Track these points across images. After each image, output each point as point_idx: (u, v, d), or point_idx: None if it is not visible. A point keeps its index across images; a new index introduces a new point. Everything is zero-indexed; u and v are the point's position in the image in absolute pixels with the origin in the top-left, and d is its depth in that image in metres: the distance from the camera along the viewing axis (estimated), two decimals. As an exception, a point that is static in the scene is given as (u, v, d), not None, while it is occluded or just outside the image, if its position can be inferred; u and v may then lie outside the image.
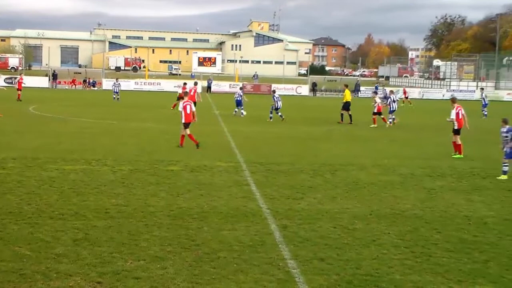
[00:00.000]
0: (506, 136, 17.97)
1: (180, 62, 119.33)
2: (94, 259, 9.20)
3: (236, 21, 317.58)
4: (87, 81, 76.29)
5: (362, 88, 77.50)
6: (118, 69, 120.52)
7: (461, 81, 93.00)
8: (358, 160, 20.37)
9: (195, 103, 36.75)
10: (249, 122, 33.86)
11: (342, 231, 11.35)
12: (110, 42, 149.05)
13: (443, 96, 75.85)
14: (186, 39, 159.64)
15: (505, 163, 17.78)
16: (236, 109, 38.55)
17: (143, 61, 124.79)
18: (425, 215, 12.82)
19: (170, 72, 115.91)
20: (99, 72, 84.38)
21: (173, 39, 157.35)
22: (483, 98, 46.12)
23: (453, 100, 23.29)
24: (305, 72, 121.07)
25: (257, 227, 11.39)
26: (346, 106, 35.58)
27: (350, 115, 35.30)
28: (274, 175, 17.03)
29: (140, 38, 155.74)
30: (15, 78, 69.80)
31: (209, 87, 73.83)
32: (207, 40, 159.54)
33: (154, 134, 26.84)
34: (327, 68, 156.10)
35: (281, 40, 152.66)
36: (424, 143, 26.24)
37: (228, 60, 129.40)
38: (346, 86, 38.02)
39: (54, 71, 77.12)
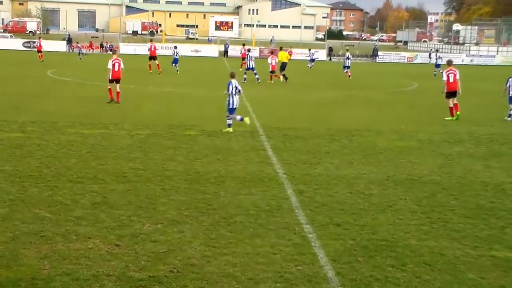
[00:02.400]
0: None
1: (197, 26, 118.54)
2: (113, 222, 9.32)
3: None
4: (104, 45, 76.16)
5: (380, 53, 76.64)
6: (135, 33, 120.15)
7: (480, 46, 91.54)
8: (375, 125, 20.28)
9: (153, 57, 42.07)
10: (265, 87, 33.74)
11: (359, 196, 11.37)
12: (127, 6, 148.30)
13: (462, 61, 74.75)
14: (203, 3, 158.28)
15: None
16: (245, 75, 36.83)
17: (160, 25, 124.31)
18: (442, 181, 12.78)
19: (187, 37, 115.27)
20: (116, 36, 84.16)
21: (190, 3, 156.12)
22: (437, 59, 50.94)
23: (449, 62, 23.58)
24: (322, 36, 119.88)
25: (274, 192, 11.44)
26: (283, 66, 37.94)
27: (284, 75, 37.43)
28: (290, 140, 17.02)
29: (157, 2, 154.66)
30: (33, 42, 70.08)
31: (226, 52, 73.45)
32: (224, 4, 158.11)
33: (170, 98, 26.87)
34: (344, 33, 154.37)
35: (299, 5, 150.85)
36: (442, 108, 25.98)
37: (245, 25, 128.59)
38: (281, 48, 40.72)
39: (69, 35, 77.05)
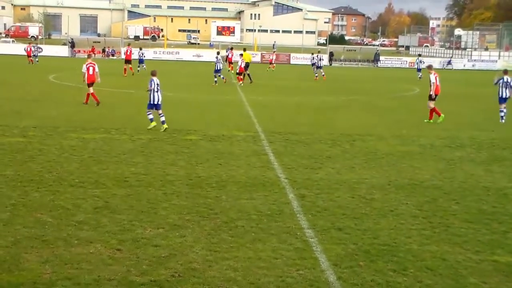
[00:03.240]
0: None
1: (198, 31, 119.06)
2: (114, 226, 9.32)
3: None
4: (106, 50, 76.26)
5: (381, 58, 76.67)
6: (137, 38, 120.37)
7: (483, 51, 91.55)
8: (376, 130, 20.28)
9: (129, 61, 44.40)
10: (267, 92, 33.76)
11: (360, 201, 11.36)
12: (129, 11, 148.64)
13: (464, 66, 74.85)
14: (205, 8, 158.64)
15: None
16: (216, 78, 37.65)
17: (161, 30, 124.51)
18: (443, 186, 12.78)
19: (189, 41, 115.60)
20: (118, 41, 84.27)
21: (191, 8, 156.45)
22: (418, 63, 51.50)
23: (430, 67, 24.36)
24: (324, 41, 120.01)
25: (275, 196, 11.44)
26: (246, 67, 39.82)
27: (248, 74, 39.53)
28: (292, 144, 17.02)
29: (159, 7, 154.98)
30: (34, 46, 70.10)
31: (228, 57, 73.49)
32: (225, 9, 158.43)
33: (172, 103, 26.87)
34: (346, 38, 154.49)
35: (300, 9, 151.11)
36: (443, 113, 25.97)
37: (246, 29, 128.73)
38: (244, 49, 43.45)
39: (72, 39, 77.24)
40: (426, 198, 11.72)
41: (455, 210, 10.97)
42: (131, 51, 45.77)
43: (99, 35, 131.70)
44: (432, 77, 23.13)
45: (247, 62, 40.53)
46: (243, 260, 8.14)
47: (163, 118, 18.78)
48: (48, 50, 73.48)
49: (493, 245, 9.14)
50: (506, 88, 23.54)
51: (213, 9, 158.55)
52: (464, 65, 74.96)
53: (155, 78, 18.97)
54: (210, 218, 9.92)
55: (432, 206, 11.20)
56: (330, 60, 75.94)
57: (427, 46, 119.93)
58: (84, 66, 24.88)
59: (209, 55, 77.35)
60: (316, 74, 45.37)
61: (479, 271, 8.10)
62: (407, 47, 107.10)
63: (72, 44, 75.20)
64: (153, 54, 73.87)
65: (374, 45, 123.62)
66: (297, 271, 7.85)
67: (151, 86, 18.89)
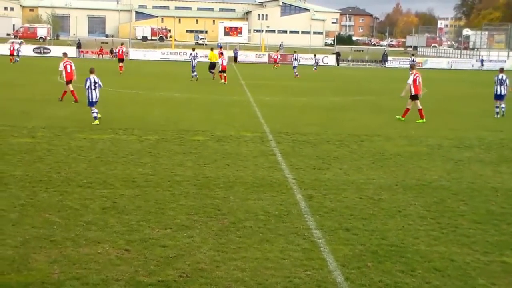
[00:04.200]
0: None
1: (206, 32, 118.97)
2: (122, 227, 9.35)
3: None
4: (114, 50, 76.46)
5: (389, 58, 76.53)
6: (144, 38, 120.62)
7: (491, 51, 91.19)
8: (384, 130, 20.24)
9: (121, 60, 46.50)
10: (275, 92, 33.76)
11: (368, 201, 11.34)
12: (136, 12, 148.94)
13: (472, 66, 74.64)
14: (212, 8, 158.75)
15: None
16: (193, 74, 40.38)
17: (169, 30, 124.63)
18: (452, 186, 12.73)
19: (197, 42, 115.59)
20: (125, 42, 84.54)
21: (199, 9, 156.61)
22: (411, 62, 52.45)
23: (412, 66, 24.78)
24: (331, 42, 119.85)
25: (283, 197, 11.43)
26: (212, 66, 41.57)
27: (212, 73, 41.09)
28: (300, 145, 17.01)
29: (167, 7, 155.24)
30: (44, 48, 70.53)
31: (235, 57, 73.64)
32: (233, 10, 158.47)
33: (179, 103, 26.93)
34: (354, 38, 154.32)
35: (308, 10, 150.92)
36: (451, 114, 25.93)
37: (254, 30, 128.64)
38: (212, 49, 44.46)
39: (78, 40, 77.56)
40: (434, 199, 11.68)
41: (464, 211, 10.92)
42: (123, 50, 48.27)
43: (107, 35, 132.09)
44: (410, 78, 23.14)
45: (213, 61, 41.87)
46: (251, 261, 8.14)
47: (95, 115, 19.69)
48: (56, 50, 73.77)
49: (502, 246, 9.10)
50: (501, 85, 24.84)
51: (221, 9, 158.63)
52: (473, 65, 74.73)
53: (92, 76, 19.63)
54: (218, 219, 9.92)
55: (440, 206, 11.16)
56: (337, 60, 75.90)
57: (435, 46, 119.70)
58: (61, 64, 25.90)
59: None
60: (296, 73, 48.36)
61: (488, 272, 8.07)
62: (415, 47, 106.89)
63: (79, 45, 75.50)
64: (161, 55, 74.09)
65: (381, 46, 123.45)
66: (304, 271, 7.84)
67: (86, 85, 19.59)
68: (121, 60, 46.78)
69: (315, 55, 64.04)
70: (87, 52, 76.21)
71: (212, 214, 10.18)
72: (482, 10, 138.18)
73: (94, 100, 19.59)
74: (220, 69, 38.97)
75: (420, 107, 22.79)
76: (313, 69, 59.08)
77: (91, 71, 19.82)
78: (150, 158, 14.54)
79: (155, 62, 63.30)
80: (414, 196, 11.87)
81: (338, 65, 75.14)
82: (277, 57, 66.34)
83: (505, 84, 24.78)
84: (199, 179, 12.59)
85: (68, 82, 25.62)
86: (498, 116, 24.75)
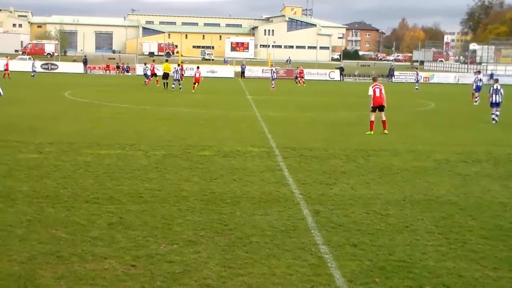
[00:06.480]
0: None
1: (213, 47, 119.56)
2: (129, 242, 9.32)
3: (268, 5, 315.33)
4: (121, 66, 76.89)
5: (396, 73, 76.60)
6: (151, 54, 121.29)
7: (498, 65, 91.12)
8: (391, 145, 20.20)
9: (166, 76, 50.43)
10: (281, 107, 33.82)
11: (375, 217, 11.28)
12: (143, 28, 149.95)
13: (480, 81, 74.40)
14: (219, 24, 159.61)
15: None
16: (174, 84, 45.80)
17: (176, 46, 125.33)
18: (459, 202, 12.66)
19: (203, 58, 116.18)
20: (132, 58, 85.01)
21: (206, 24, 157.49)
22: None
23: (374, 78, 25.37)
24: (338, 57, 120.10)
25: (290, 212, 11.40)
26: (165, 76, 47.75)
27: (166, 83, 47.17)
28: (306, 160, 16.99)
29: (173, 23, 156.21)
30: (52, 64, 71.01)
31: (242, 72, 73.93)
32: (239, 25, 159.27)
33: (187, 119, 26.99)
34: (360, 53, 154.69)
35: (314, 25, 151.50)
36: (459, 128, 25.88)
37: (260, 45, 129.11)
38: (167, 60, 51.62)
39: (85, 56, 78.07)
40: (442, 214, 11.61)
41: (472, 226, 10.85)
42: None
43: (114, 51, 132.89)
44: (370, 89, 23.76)
45: (166, 72, 47.80)
46: (258, 276, 8.10)
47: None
48: (64, 66, 74.23)
49: (511, 261, 9.02)
50: (496, 94, 28.13)
51: (227, 25, 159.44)
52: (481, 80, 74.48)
53: None
54: (225, 234, 9.89)
55: (448, 222, 11.09)
56: (341, 75, 75.97)
57: (441, 61, 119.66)
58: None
59: (223, 71, 77.88)
60: (273, 86, 52.55)
61: (497, 288, 7.99)
62: (422, 62, 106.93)
63: (85, 61, 75.98)
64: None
65: (388, 60, 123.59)
66: (312, 287, 7.79)
67: None
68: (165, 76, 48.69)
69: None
70: (94, 67, 76.62)
71: (219, 229, 10.15)
72: (488, 25, 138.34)
73: None
74: (194, 81, 45.25)
75: (373, 119, 23.40)
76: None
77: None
78: (157, 174, 14.55)
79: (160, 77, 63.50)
80: (421, 211, 11.81)
81: (342, 80, 75.22)
82: (301, 71, 64.82)
83: (499, 93, 28.06)
84: (206, 194, 12.57)
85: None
86: (494, 122, 27.58)
